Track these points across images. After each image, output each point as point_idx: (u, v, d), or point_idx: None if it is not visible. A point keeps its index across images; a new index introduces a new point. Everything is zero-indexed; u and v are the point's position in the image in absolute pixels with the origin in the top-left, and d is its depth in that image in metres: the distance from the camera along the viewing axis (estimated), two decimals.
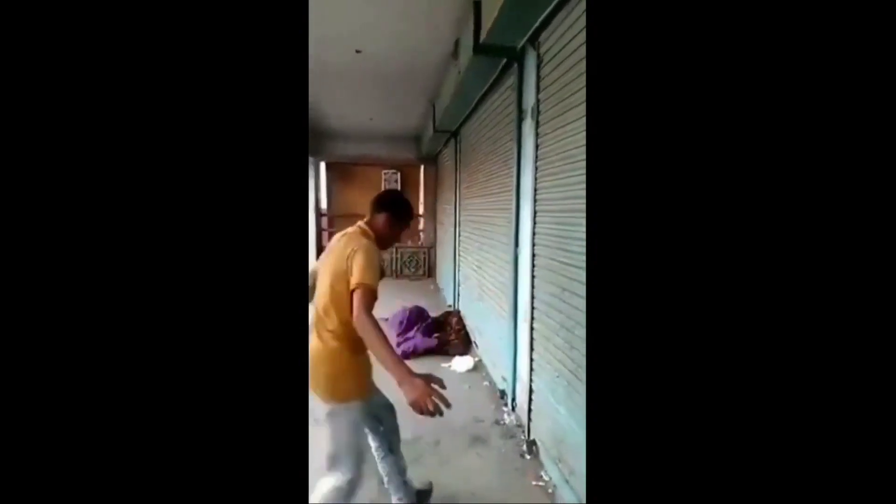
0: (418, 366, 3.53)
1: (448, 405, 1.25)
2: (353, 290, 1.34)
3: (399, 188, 8.18)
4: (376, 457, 1.78)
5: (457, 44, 3.10)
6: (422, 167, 7.96)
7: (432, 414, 1.24)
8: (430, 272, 7.81)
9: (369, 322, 1.29)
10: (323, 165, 7.64)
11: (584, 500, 1.74)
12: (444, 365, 3.61)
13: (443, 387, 1.30)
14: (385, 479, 1.80)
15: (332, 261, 1.47)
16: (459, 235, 4.95)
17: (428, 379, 1.27)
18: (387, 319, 4.73)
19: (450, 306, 5.27)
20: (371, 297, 1.35)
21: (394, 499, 1.80)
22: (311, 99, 4.89)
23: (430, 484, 1.99)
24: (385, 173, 8.10)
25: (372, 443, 1.76)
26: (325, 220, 8.30)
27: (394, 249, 7.86)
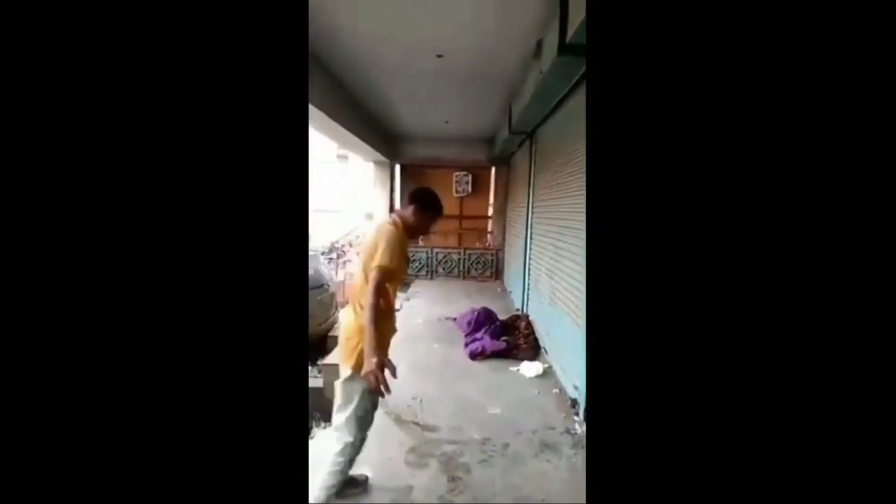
0: (486, 368, 3.60)
1: (388, 391, 1.55)
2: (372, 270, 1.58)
3: (470, 189, 8.24)
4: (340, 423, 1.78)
5: (539, 44, 3.06)
6: (492, 169, 7.96)
7: (376, 391, 1.56)
8: (498, 274, 7.77)
9: (372, 297, 1.54)
10: (398, 168, 7.92)
11: None
12: (513, 369, 3.58)
13: (393, 374, 1.61)
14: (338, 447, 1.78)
15: (365, 247, 1.75)
16: (531, 239, 4.88)
17: (381, 363, 1.55)
18: (454, 319, 4.78)
19: (518, 310, 5.21)
20: (383, 276, 1.58)
21: (329, 467, 1.78)
22: (389, 104, 5.09)
23: (366, 478, 2.02)
24: (456, 175, 8.19)
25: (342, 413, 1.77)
26: None
27: (461, 251, 7.93)
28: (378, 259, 1.58)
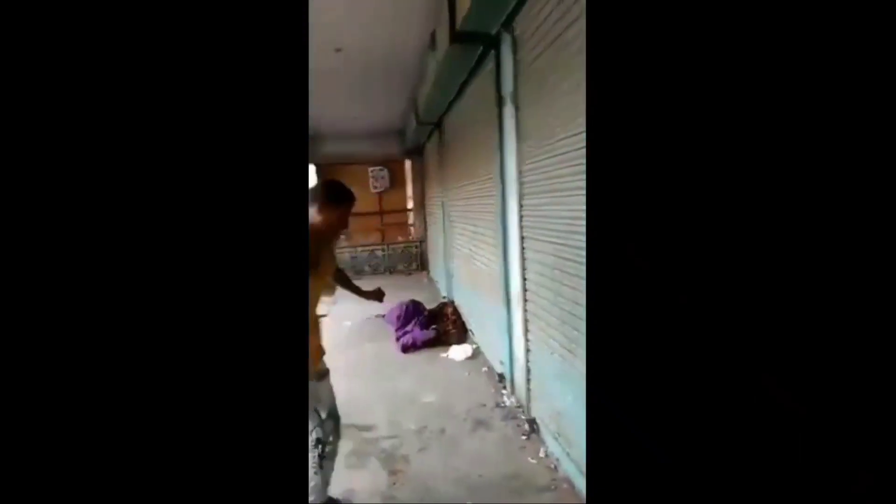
0: (419, 358, 3.63)
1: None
2: None
3: (388, 184, 8.16)
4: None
5: (433, 35, 3.10)
6: (407, 161, 7.95)
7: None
8: (424, 265, 7.83)
9: None
10: (312, 168, 7.62)
11: (584, 471, 1.79)
12: (444, 355, 3.65)
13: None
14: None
15: None
16: (449, 226, 4.97)
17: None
18: (384, 316, 4.75)
19: (444, 297, 5.31)
20: None
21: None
22: None
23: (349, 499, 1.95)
24: (372, 170, 8.06)
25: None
26: None
27: (385, 246, 7.87)
28: None
